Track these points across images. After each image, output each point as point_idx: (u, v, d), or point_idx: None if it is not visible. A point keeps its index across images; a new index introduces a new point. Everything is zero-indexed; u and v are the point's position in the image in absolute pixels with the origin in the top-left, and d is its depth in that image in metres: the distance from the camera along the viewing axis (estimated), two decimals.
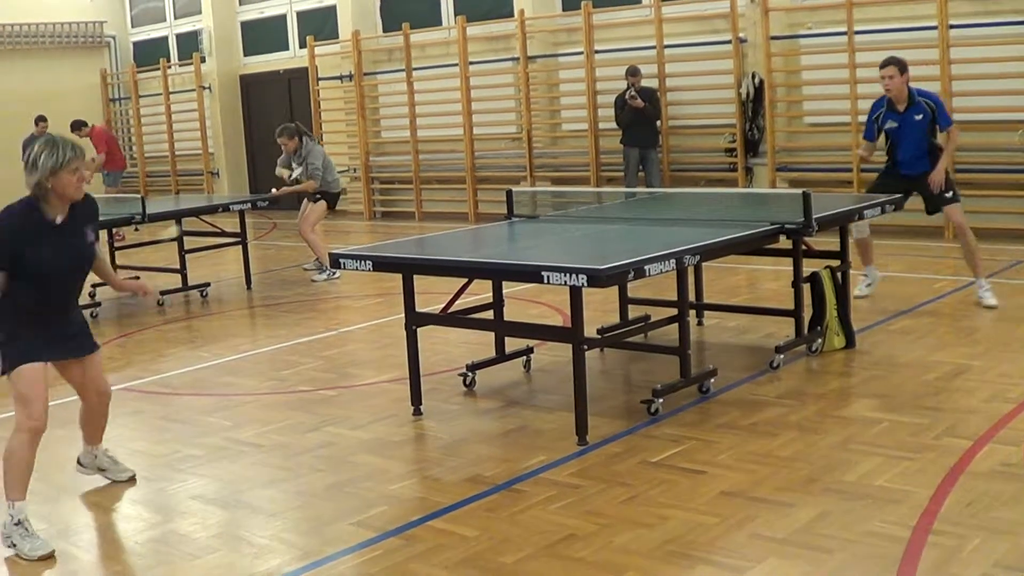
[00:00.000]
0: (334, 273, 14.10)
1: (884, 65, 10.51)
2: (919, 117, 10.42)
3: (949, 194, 10.49)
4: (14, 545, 5.94)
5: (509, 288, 10.34)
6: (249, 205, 14.57)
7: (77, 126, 20.65)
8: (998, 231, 14.18)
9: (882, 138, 10.74)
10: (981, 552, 5.22)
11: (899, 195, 9.92)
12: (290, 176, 14.60)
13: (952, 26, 15.05)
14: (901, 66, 10.46)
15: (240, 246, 14.28)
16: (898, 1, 15.70)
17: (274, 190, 14.66)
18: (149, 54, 26.92)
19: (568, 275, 6.75)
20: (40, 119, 20.95)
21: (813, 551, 5.36)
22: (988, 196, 14.61)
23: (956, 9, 15.10)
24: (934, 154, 10.46)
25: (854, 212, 9.37)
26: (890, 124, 10.56)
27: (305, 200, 14.83)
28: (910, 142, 10.49)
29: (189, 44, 25.95)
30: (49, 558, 5.88)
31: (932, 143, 10.48)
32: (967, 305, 10.49)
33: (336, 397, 8.76)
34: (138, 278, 13.72)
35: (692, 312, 9.55)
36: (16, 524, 5.98)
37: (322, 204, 14.67)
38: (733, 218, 8.99)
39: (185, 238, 13.41)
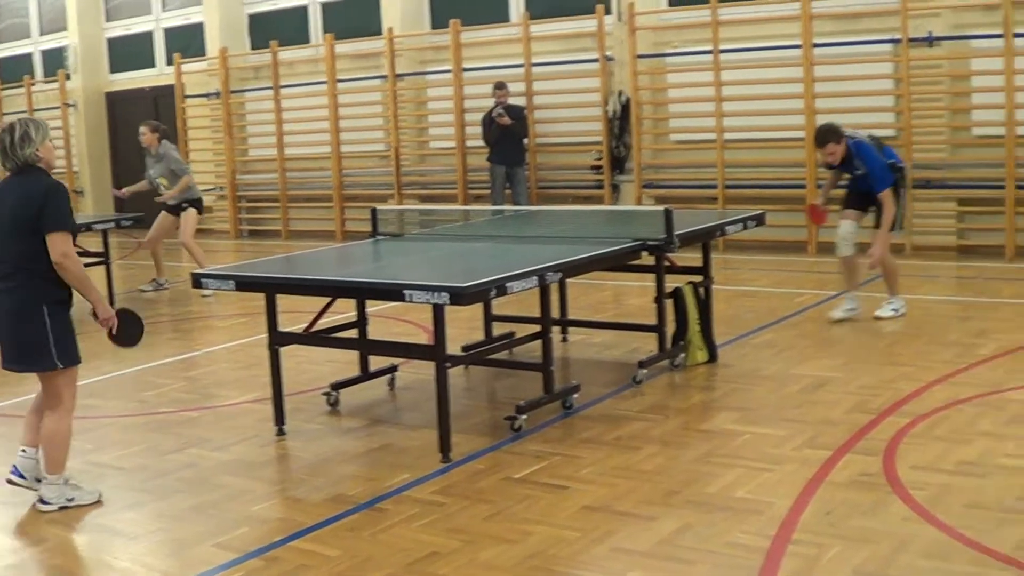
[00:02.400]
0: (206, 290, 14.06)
1: (822, 144, 10.51)
2: (859, 172, 10.51)
3: (876, 271, 10.74)
4: (71, 499, 6.69)
5: (376, 306, 10.32)
6: (113, 224, 14.39)
7: None
8: (861, 245, 14.38)
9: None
10: (840, 561, 5.29)
11: (760, 213, 10.03)
12: (151, 176, 14.55)
13: (816, 44, 15.30)
14: (837, 137, 10.45)
15: (103, 266, 14.06)
16: (763, 20, 15.94)
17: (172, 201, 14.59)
18: (13, 70, 26.41)
19: (430, 293, 6.74)
20: None
21: (675, 563, 5.40)
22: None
23: (820, 28, 15.39)
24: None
25: (715, 228, 9.50)
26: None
27: (162, 214, 14.71)
28: (861, 188, 10.63)
29: (54, 61, 25.52)
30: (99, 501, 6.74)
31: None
32: (824, 319, 10.65)
33: (199, 418, 8.66)
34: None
35: (557, 328, 9.61)
36: (66, 483, 6.70)
37: (193, 211, 14.66)
38: (598, 235, 9.05)
39: None
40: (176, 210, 14.67)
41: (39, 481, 6.85)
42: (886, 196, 10.36)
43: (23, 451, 6.87)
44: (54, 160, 6.73)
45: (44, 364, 6.54)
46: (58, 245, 6.38)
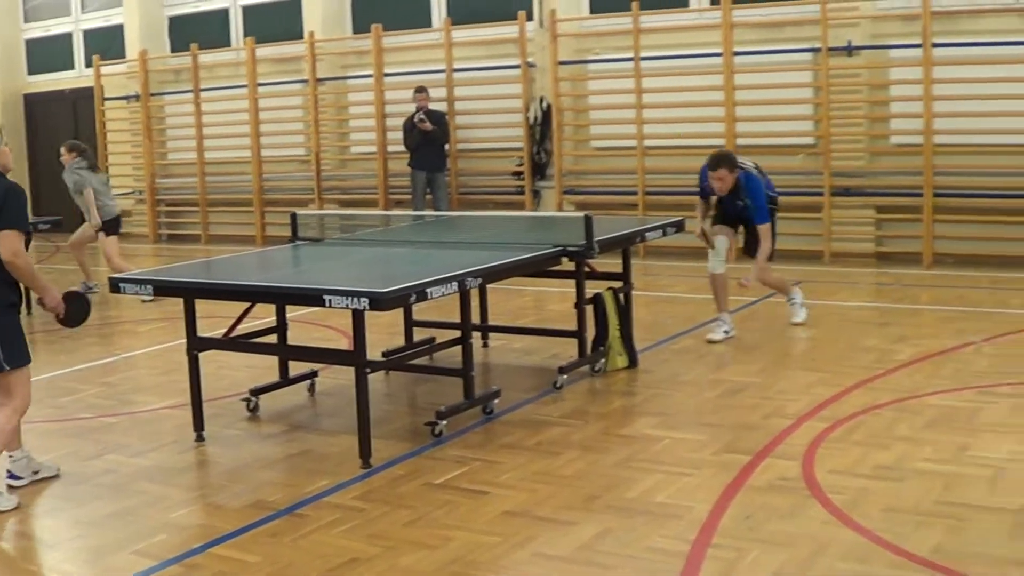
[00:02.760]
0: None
1: (715, 167, 10.13)
2: (740, 204, 10.28)
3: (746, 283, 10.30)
4: (37, 472, 6.92)
5: (296, 312, 10.27)
6: (32, 227, 14.22)
7: None
8: (780, 252, 14.45)
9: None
10: (759, 564, 5.34)
11: (679, 219, 10.07)
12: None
13: (736, 53, 15.42)
14: (731, 165, 10.14)
15: None
16: (684, 29, 16.06)
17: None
18: None
19: (350, 298, 6.73)
20: None
21: (595, 568, 5.42)
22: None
23: (741, 36, 15.50)
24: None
25: (635, 235, 9.55)
26: (712, 195, 10.45)
27: (84, 224, 14.59)
28: (733, 213, 10.48)
29: None
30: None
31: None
32: (748, 325, 10.72)
33: (117, 424, 8.58)
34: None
35: (477, 334, 9.61)
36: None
37: (111, 238, 14.46)
38: (519, 241, 9.05)
39: None
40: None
41: (36, 473, 7.02)
42: (765, 230, 10.25)
43: (10, 456, 6.91)
44: (10, 163, 6.83)
45: None
46: (9, 243, 6.43)
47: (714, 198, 10.48)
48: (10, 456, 6.90)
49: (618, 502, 6.31)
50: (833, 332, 10.57)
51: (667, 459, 7.01)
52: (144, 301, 13.72)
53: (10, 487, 6.84)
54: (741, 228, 10.60)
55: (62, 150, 14.52)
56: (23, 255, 6.50)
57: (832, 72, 15.00)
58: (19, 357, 6.62)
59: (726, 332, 10.42)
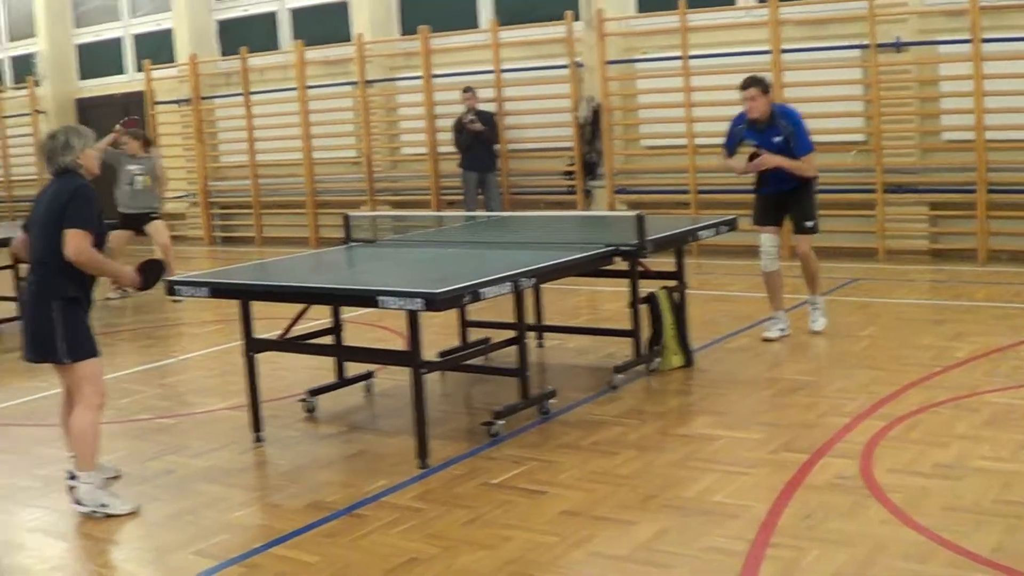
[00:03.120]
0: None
1: (745, 86, 10.02)
2: (777, 139, 10.01)
3: (810, 223, 10.16)
4: (105, 506, 6.60)
5: (351, 312, 10.31)
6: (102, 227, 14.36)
7: None
8: (833, 250, 14.47)
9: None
10: (819, 564, 5.32)
11: (732, 217, 10.01)
12: (130, 171, 14.64)
13: (785, 50, 15.36)
14: (763, 86, 10.02)
15: None
16: (731, 26, 16.00)
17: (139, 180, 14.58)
18: None
19: (404, 299, 6.76)
20: None
21: (653, 568, 5.42)
22: (823, 216, 14.82)
23: (788, 34, 15.43)
24: (796, 174, 10.07)
25: (688, 233, 9.52)
26: (749, 142, 10.21)
27: (116, 232, 14.72)
28: (770, 177, 10.21)
29: (23, 67, 25.42)
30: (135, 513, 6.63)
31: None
32: (804, 323, 10.67)
33: (175, 425, 8.65)
34: None
35: (532, 334, 9.62)
36: (101, 488, 6.67)
37: (161, 222, 14.92)
38: (571, 240, 9.05)
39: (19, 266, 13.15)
40: (131, 224, 14.84)
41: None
42: (810, 160, 10.03)
43: (72, 456, 6.87)
44: (95, 167, 6.97)
45: (52, 356, 6.62)
46: (71, 243, 6.48)
47: (751, 151, 10.22)
48: (72, 456, 6.87)
49: (676, 501, 6.31)
50: (889, 330, 10.51)
51: (724, 458, 7.00)
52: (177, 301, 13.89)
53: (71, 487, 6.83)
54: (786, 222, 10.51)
55: (127, 137, 14.74)
56: (87, 253, 6.51)
57: (881, 69, 14.91)
58: (83, 351, 6.65)
59: (781, 330, 10.36)
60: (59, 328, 6.55)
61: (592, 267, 8.65)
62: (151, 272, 7.07)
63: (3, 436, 8.55)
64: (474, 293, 7.02)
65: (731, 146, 10.40)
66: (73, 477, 6.74)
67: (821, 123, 15.12)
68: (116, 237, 14.79)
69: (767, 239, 10.35)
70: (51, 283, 6.57)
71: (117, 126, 14.93)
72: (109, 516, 6.58)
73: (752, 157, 10.12)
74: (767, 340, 10.25)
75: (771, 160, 9.95)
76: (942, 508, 5.96)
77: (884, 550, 5.45)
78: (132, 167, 14.56)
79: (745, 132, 10.22)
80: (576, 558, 5.61)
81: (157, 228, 14.90)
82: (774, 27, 15.29)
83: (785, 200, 10.25)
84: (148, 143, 14.83)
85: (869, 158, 15.11)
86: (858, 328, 10.58)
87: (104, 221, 6.79)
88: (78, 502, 6.64)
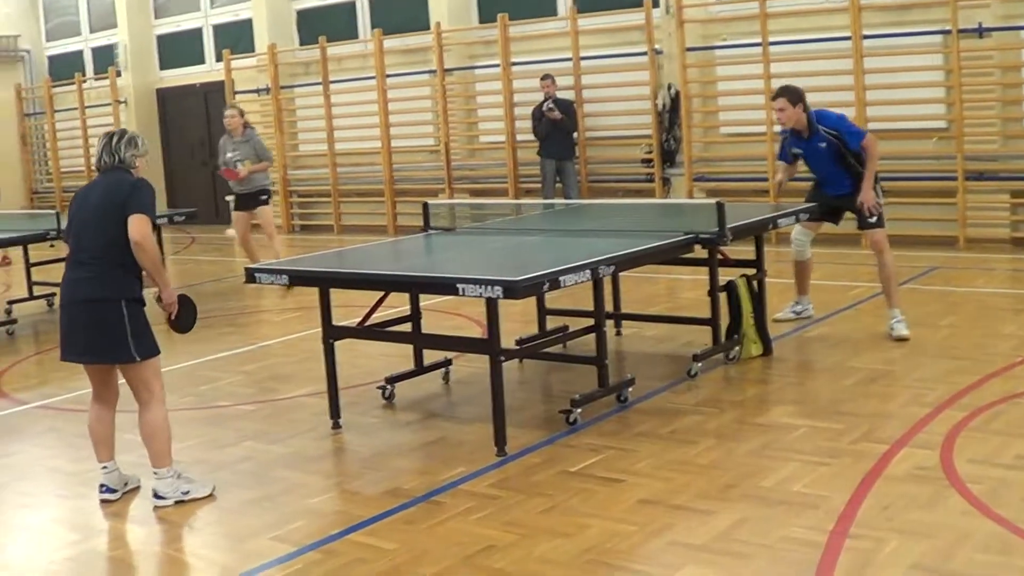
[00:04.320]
0: None
1: (775, 96, 9.94)
2: (823, 145, 9.85)
3: (873, 219, 9.86)
4: (187, 492, 6.70)
5: (429, 300, 10.34)
6: (167, 219, 14.47)
7: None
8: (914, 238, 14.34)
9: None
10: (898, 555, 5.28)
11: (811, 205, 9.92)
12: (231, 158, 14.63)
13: (865, 36, 15.22)
14: (793, 96, 9.81)
15: None
16: (812, 12, 15.86)
17: (240, 167, 14.63)
18: (64, 68, 26.63)
19: (483, 287, 6.75)
20: None
21: (731, 557, 5.40)
22: (903, 204, 14.74)
23: (869, 20, 15.29)
24: (852, 174, 9.85)
25: (768, 221, 9.46)
26: (796, 150, 10.12)
27: (234, 215, 14.81)
28: (820, 167, 10.08)
29: (105, 58, 25.72)
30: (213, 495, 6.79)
31: (847, 163, 9.86)
32: (882, 312, 10.56)
33: (254, 412, 8.72)
34: (54, 295, 13.68)
35: (610, 322, 9.59)
36: (178, 477, 6.73)
37: (268, 207, 15.05)
38: (650, 228, 9.03)
39: None
40: (246, 204, 14.89)
41: (126, 484, 6.96)
42: (868, 145, 9.77)
43: (104, 467, 6.88)
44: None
45: (121, 356, 6.61)
46: (138, 226, 6.49)
47: (798, 163, 10.20)
48: (104, 468, 6.88)
49: (754, 491, 6.27)
50: (970, 319, 10.39)
51: (803, 448, 6.94)
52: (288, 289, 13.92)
53: (104, 501, 6.84)
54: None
55: (232, 112, 14.91)
56: (150, 238, 6.55)
57: (963, 55, 14.72)
58: (150, 348, 6.68)
59: (795, 313, 10.58)
60: (129, 327, 6.57)
61: (671, 255, 8.62)
62: (187, 314, 7.07)
63: (84, 422, 8.62)
64: (553, 281, 6.99)
65: (784, 156, 10.35)
66: (109, 490, 6.84)
67: (901, 110, 15.07)
68: (237, 220, 14.98)
69: (799, 231, 10.38)
70: (116, 282, 6.57)
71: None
72: (194, 500, 6.68)
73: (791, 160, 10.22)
74: (778, 321, 10.33)
75: (867, 197, 9.77)
76: (1023, 499, 5.89)
77: (964, 542, 5.39)
78: (231, 154, 14.62)
79: (791, 141, 10.15)
80: (654, 547, 5.59)
81: (264, 213, 14.98)
82: (855, 13, 15.15)
83: (842, 202, 10.11)
84: (246, 123, 14.84)
85: (950, 145, 14.94)
86: (938, 317, 10.45)
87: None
88: (159, 497, 6.68)
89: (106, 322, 6.55)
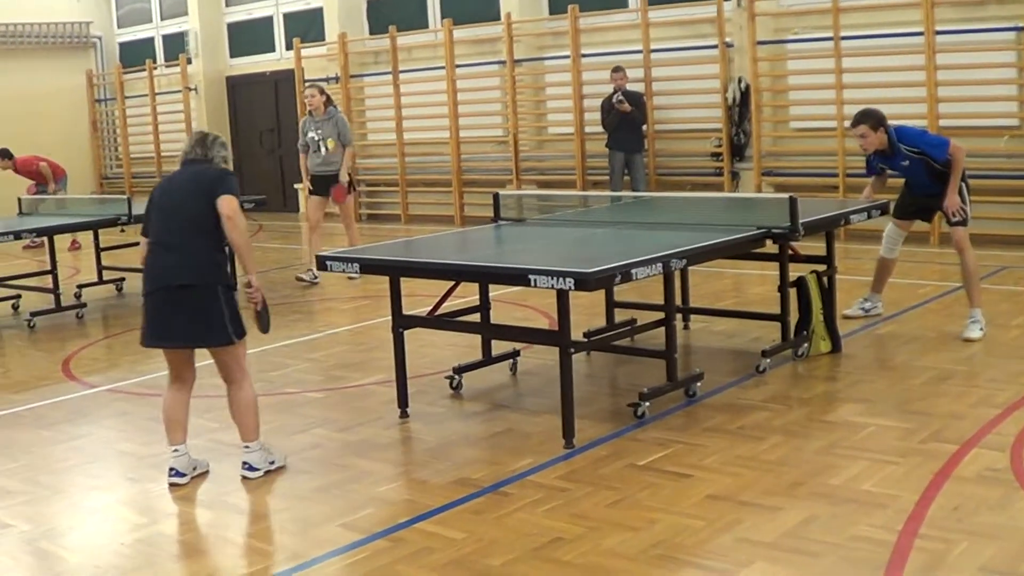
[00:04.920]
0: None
1: (854, 123, 9.86)
2: (906, 163, 9.83)
3: (956, 218, 9.74)
4: (272, 463, 7.01)
5: (495, 291, 10.36)
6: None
7: (3, 155, 19.08)
8: (984, 237, 14.20)
9: None
10: (967, 556, 5.24)
11: (884, 202, 9.87)
12: (313, 138, 14.53)
13: (938, 32, 15.09)
14: (873, 122, 9.74)
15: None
16: (884, 7, 15.75)
17: (345, 175, 14.49)
18: (135, 55, 26.87)
19: (555, 278, 6.75)
20: None
21: (800, 555, 5.37)
22: (975, 202, 14.57)
23: (942, 15, 15.15)
24: (943, 180, 9.72)
25: (840, 217, 9.41)
26: (882, 165, 10.11)
27: (310, 199, 14.69)
28: (909, 178, 10.07)
29: (175, 45, 25.92)
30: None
31: (936, 173, 9.76)
32: (952, 310, 10.50)
33: (323, 399, 8.77)
34: (123, 279, 13.82)
35: (678, 316, 9.57)
36: (263, 448, 7.01)
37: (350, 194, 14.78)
38: (719, 222, 8.99)
39: None
40: (325, 188, 14.55)
41: (195, 469, 7.04)
42: (954, 152, 9.63)
43: (175, 450, 6.96)
44: None
45: (220, 339, 6.77)
46: (227, 202, 6.68)
47: (887, 172, 10.17)
48: (175, 451, 6.96)
49: (823, 489, 6.24)
50: None
51: (872, 446, 6.90)
52: (352, 278, 13.94)
53: (173, 484, 6.92)
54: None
55: (312, 91, 14.57)
56: (240, 214, 6.74)
57: None
58: (243, 329, 6.87)
59: (864, 310, 10.51)
60: (226, 311, 6.73)
61: (743, 250, 8.58)
62: (266, 310, 7.10)
63: (154, 406, 8.67)
64: (625, 273, 6.98)
65: (872, 170, 10.29)
66: (178, 474, 6.92)
67: (973, 107, 14.91)
68: (312, 205, 14.73)
69: (892, 229, 10.32)
70: (210, 267, 6.74)
71: None
72: (278, 468, 7.02)
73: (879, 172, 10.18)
74: (847, 317, 10.25)
75: (952, 201, 9.71)
76: None
77: None
78: (312, 133, 14.38)
79: (875, 159, 10.09)
80: (722, 543, 5.58)
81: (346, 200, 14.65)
82: (928, 8, 15.01)
83: (930, 202, 10.05)
84: (329, 102, 14.59)
85: (1022, 143, 14.79)
86: (1009, 317, 10.34)
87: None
88: (251, 469, 6.87)
89: (203, 307, 6.69)
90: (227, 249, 6.86)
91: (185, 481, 6.90)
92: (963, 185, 9.80)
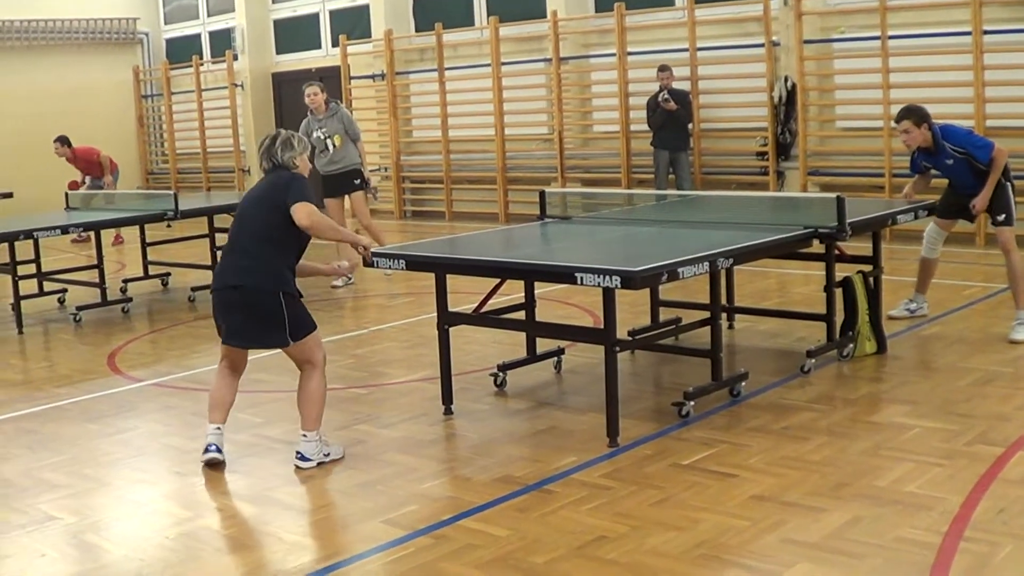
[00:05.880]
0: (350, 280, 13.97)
1: (898, 119, 9.84)
2: (950, 162, 9.79)
3: (1001, 217, 9.74)
4: (328, 455, 7.09)
5: (539, 289, 10.36)
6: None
7: (64, 142, 19.42)
8: None
9: None
10: (1013, 559, 5.22)
11: (931, 202, 9.83)
12: (319, 137, 14.34)
13: (986, 32, 14.99)
14: (917, 118, 9.71)
15: None
16: (932, 6, 15.66)
17: (373, 181, 14.51)
18: (182, 51, 26.98)
19: (602, 276, 6.76)
20: None
21: (844, 556, 5.36)
22: (1019, 202, 14.49)
23: (990, 15, 15.05)
24: (985, 181, 9.68)
25: (887, 217, 9.38)
26: (926, 164, 10.06)
27: (327, 202, 14.36)
28: (953, 178, 10.01)
29: (222, 42, 26.02)
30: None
31: (980, 174, 9.71)
32: (998, 312, 10.44)
33: (367, 395, 8.80)
34: (168, 274, 13.90)
35: (723, 315, 9.55)
36: (321, 441, 7.10)
37: (360, 193, 14.19)
38: (765, 221, 8.98)
39: (215, 235, 13.54)
40: (336, 189, 14.17)
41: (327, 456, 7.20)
42: (996, 155, 9.56)
43: (216, 427, 7.13)
44: (307, 174, 7.21)
45: (278, 342, 6.98)
46: (304, 212, 6.80)
47: (931, 171, 10.10)
48: (217, 429, 7.15)
49: (868, 490, 6.21)
50: None
51: (917, 448, 6.87)
52: (387, 275, 13.97)
53: (211, 461, 7.08)
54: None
55: (313, 89, 14.13)
56: (317, 217, 6.85)
57: None
58: (306, 327, 7.06)
59: (910, 311, 10.43)
60: (287, 314, 6.89)
61: (789, 249, 8.56)
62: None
63: (199, 400, 8.69)
64: (672, 272, 6.99)
65: (916, 168, 10.24)
66: (217, 449, 7.09)
67: (1021, 107, 14.79)
68: (329, 209, 14.30)
69: (933, 228, 10.27)
70: (273, 275, 6.87)
71: None
72: (333, 460, 7.09)
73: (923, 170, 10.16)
74: (892, 318, 10.19)
75: (981, 203, 9.72)
76: None
77: None
78: (317, 132, 14.00)
79: (919, 156, 10.04)
80: (767, 543, 5.57)
81: (358, 200, 14.19)
82: (976, 7, 14.90)
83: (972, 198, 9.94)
84: (328, 100, 14.13)
85: None
86: None
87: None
88: (304, 459, 6.97)
89: (263, 310, 6.87)
90: (296, 256, 7.06)
91: (223, 457, 7.09)
92: (1009, 185, 9.75)
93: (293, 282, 6.98)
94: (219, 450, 7.06)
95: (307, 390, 7.04)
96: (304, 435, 7.01)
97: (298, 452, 7.01)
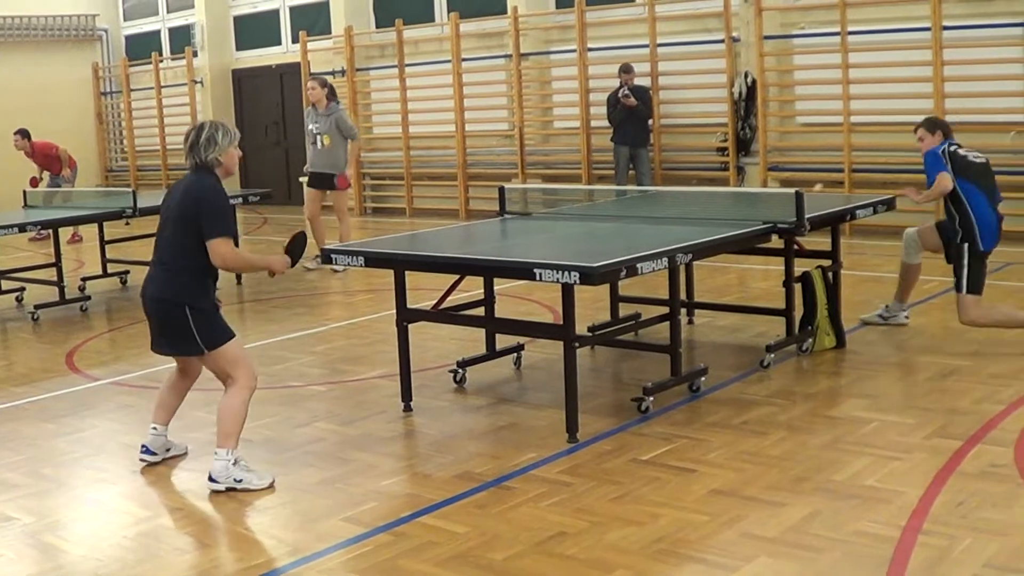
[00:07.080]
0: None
1: (916, 128, 9.51)
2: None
3: (955, 279, 9.22)
4: (240, 480, 6.58)
5: (498, 285, 10.34)
6: (241, 200, 14.52)
7: (24, 134, 19.43)
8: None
9: None
10: (971, 552, 5.24)
11: (890, 197, 9.84)
12: (311, 131, 14.60)
13: (946, 27, 15.06)
14: (929, 124, 9.46)
15: None
16: (892, 2, 15.73)
17: (348, 172, 14.74)
18: (141, 48, 26.85)
19: (561, 272, 6.75)
20: None
21: (803, 550, 5.37)
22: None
23: (950, 11, 15.12)
24: (953, 205, 9.23)
25: (846, 212, 9.40)
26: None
27: (306, 190, 14.70)
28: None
29: (181, 38, 25.89)
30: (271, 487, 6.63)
31: (954, 198, 9.22)
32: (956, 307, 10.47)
33: (326, 393, 8.77)
34: (127, 273, 13.81)
35: (683, 310, 9.56)
36: (235, 464, 6.61)
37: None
38: (724, 217, 8.99)
39: None
40: (320, 183, 14.70)
41: (168, 451, 7.15)
42: (937, 183, 9.07)
43: (153, 428, 7.11)
44: (235, 168, 7.03)
45: (190, 350, 6.75)
46: (218, 252, 6.63)
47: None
48: (153, 429, 7.12)
49: (826, 484, 6.23)
50: None
51: (876, 442, 6.90)
52: (335, 272, 14.01)
53: (141, 459, 7.08)
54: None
55: (314, 84, 14.65)
56: (231, 257, 6.73)
57: None
58: (217, 338, 6.73)
59: (882, 317, 10.13)
60: (194, 326, 6.67)
61: (748, 244, 8.59)
62: (296, 246, 7.14)
63: (154, 398, 8.66)
64: (630, 268, 6.98)
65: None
66: (149, 452, 7.08)
67: (981, 102, 14.88)
68: (308, 198, 14.86)
69: (911, 233, 10.01)
70: (183, 287, 6.68)
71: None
72: (246, 490, 6.58)
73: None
74: (866, 323, 10.11)
75: (916, 196, 9.39)
76: None
77: None
78: (312, 126, 14.52)
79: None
80: (726, 538, 5.57)
81: (338, 195, 14.73)
82: (935, 3, 14.98)
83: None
84: (332, 96, 14.66)
85: None
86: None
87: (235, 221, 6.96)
88: (212, 480, 6.65)
89: (171, 320, 6.71)
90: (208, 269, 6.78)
91: (156, 460, 7.07)
92: (976, 256, 9.33)
93: (207, 294, 6.77)
94: (151, 452, 7.05)
95: (224, 404, 6.70)
96: (215, 452, 6.68)
97: (208, 472, 6.70)
